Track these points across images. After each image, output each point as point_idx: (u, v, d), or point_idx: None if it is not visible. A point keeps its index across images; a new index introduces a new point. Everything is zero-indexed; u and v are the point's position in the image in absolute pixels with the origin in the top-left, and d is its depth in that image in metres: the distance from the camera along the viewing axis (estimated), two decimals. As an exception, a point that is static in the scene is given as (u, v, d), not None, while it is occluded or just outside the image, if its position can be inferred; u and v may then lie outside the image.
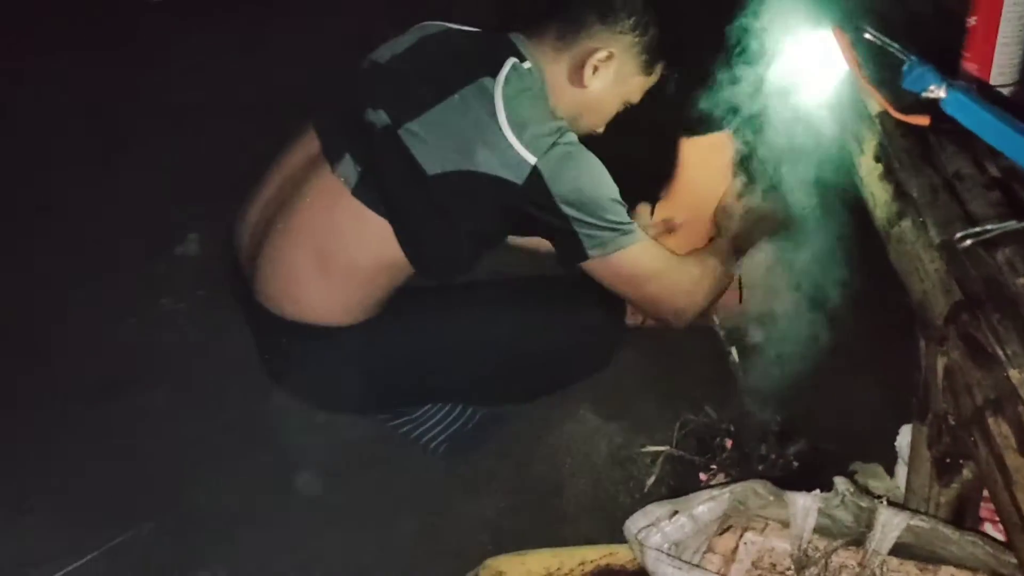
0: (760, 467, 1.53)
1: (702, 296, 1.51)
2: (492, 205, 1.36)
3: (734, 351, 1.74)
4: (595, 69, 1.42)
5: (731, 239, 1.61)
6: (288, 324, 1.46)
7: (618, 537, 1.34)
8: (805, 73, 1.33)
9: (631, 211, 1.63)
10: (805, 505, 0.96)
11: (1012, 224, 0.90)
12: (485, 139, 1.33)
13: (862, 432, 1.53)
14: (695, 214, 1.74)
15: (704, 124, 1.59)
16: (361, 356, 1.48)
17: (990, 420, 0.84)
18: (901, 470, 1.19)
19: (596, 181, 1.38)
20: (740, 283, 1.87)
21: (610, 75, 1.43)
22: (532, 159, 1.32)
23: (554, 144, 1.34)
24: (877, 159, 1.30)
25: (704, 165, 1.72)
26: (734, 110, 1.45)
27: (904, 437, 1.17)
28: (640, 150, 1.82)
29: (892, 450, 1.45)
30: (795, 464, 1.52)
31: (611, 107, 1.49)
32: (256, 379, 1.72)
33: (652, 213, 1.76)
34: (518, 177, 1.33)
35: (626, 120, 1.54)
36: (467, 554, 1.33)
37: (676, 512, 0.99)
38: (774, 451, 1.54)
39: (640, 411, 1.73)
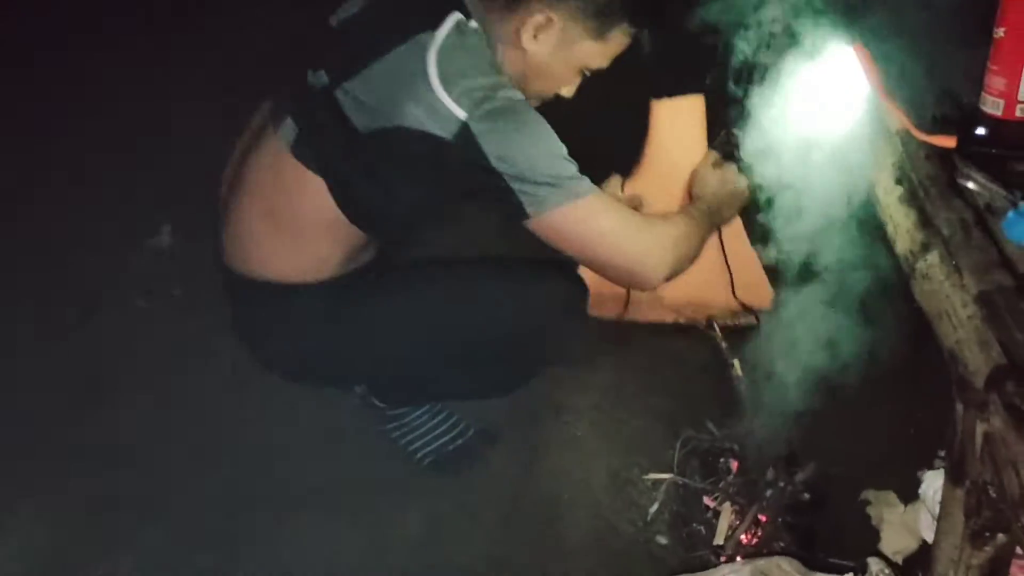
0: (768, 493, 1.47)
1: (670, 260, 1.40)
2: (423, 162, 1.33)
3: (736, 364, 1.67)
4: (534, 34, 1.37)
5: (705, 209, 1.52)
6: (247, 281, 1.49)
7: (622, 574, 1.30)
8: (822, 86, 1.24)
9: (601, 183, 1.60)
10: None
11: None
12: (415, 94, 1.30)
13: (874, 454, 1.48)
14: (668, 185, 1.68)
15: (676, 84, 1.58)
16: (315, 316, 1.47)
17: (1041, 508, 0.77)
18: (924, 518, 1.12)
19: (534, 137, 1.33)
20: (732, 276, 1.83)
21: (551, 40, 1.38)
22: (462, 115, 1.28)
23: (487, 99, 1.30)
24: (898, 181, 1.21)
25: (677, 129, 1.69)
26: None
27: (929, 484, 1.10)
28: (609, 116, 1.83)
29: (906, 474, 1.41)
30: (805, 495, 1.45)
31: (564, 73, 1.43)
32: (238, 384, 1.72)
33: (623, 187, 1.73)
34: (448, 132, 1.29)
35: (593, 82, 1.47)
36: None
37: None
38: (782, 477, 1.48)
39: (639, 429, 1.67)
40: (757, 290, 1.84)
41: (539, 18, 1.35)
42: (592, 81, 1.46)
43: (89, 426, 1.73)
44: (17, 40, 2.87)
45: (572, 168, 1.34)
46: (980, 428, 0.89)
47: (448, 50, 1.31)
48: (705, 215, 1.50)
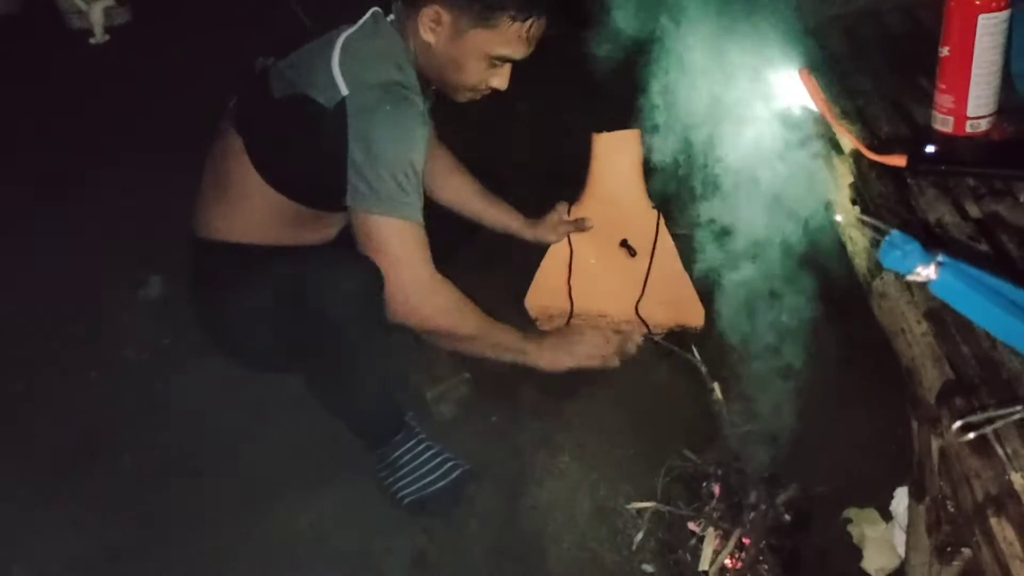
0: (750, 516, 1.47)
1: (435, 318, 1.53)
2: (308, 126, 1.47)
3: (717, 388, 1.67)
4: (430, 26, 1.50)
5: (533, 342, 1.65)
6: (197, 241, 1.65)
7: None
8: (770, 110, 1.26)
9: (551, 208, 1.95)
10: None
11: (1017, 411, 0.79)
12: (318, 69, 1.48)
13: (855, 473, 1.48)
14: (607, 211, 1.92)
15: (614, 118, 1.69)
16: (251, 281, 1.55)
17: (992, 520, 0.77)
18: (898, 534, 1.13)
19: (396, 138, 1.46)
20: (642, 294, 1.96)
21: (445, 31, 1.50)
22: (345, 91, 1.45)
23: (373, 86, 1.46)
24: (853, 202, 1.23)
25: (614, 161, 1.89)
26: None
27: (900, 502, 1.11)
28: (556, 146, 2.04)
29: (887, 491, 1.41)
30: (786, 517, 1.45)
31: (472, 63, 1.52)
32: (230, 435, 1.73)
33: (570, 211, 1.95)
34: (330, 103, 1.46)
35: (540, 115, 1.70)
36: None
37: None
38: (763, 500, 1.48)
39: (622, 458, 1.66)
40: (688, 309, 1.95)
41: (429, 11, 1.48)
42: (540, 114, 1.55)
43: (82, 480, 1.73)
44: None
45: (410, 186, 1.46)
46: (935, 444, 0.90)
47: (355, 38, 1.50)
48: (524, 342, 1.63)
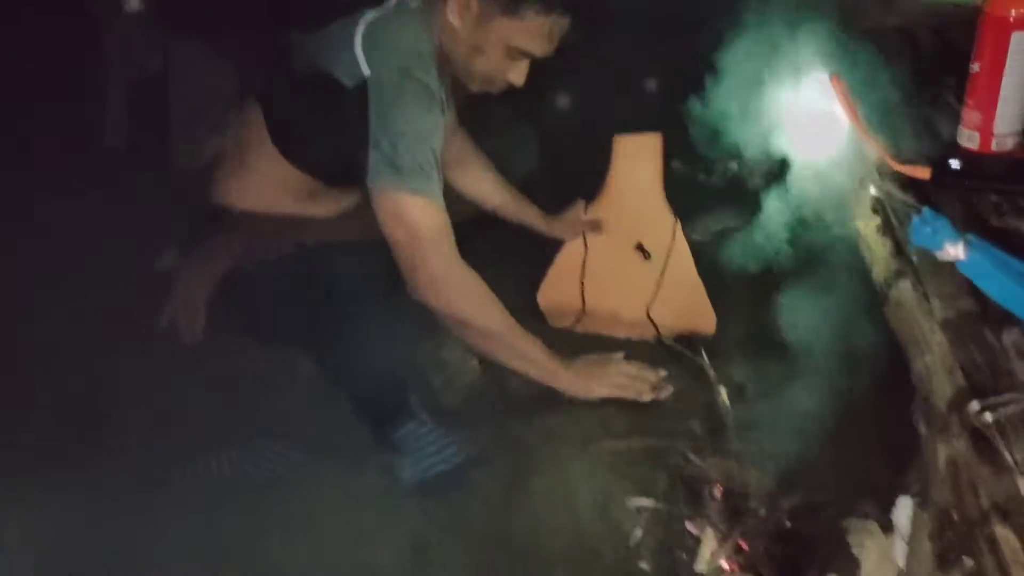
0: (750, 521, 1.47)
1: (457, 302, 1.54)
2: (330, 104, 1.52)
3: (723, 392, 1.68)
4: (457, 12, 1.54)
5: (570, 366, 1.68)
6: (215, 208, 1.68)
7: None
8: (800, 117, 1.27)
9: (569, 206, 1.97)
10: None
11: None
12: (341, 49, 1.52)
13: (858, 484, 1.47)
14: (625, 213, 1.96)
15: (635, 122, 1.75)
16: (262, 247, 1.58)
17: (997, 528, 0.78)
18: (899, 546, 1.13)
19: (415, 121, 1.49)
20: (655, 297, 1.97)
21: (471, 17, 1.54)
22: (367, 72, 1.49)
23: (395, 71, 1.49)
24: (875, 210, 1.24)
25: (635, 163, 1.91)
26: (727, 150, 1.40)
27: (902, 512, 1.11)
28: (577, 146, 2.05)
29: (888, 502, 1.41)
30: (788, 524, 1.46)
31: (494, 53, 1.56)
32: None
33: (586, 210, 1.97)
34: (351, 82, 1.50)
35: (564, 116, 1.74)
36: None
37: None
38: (764, 505, 1.48)
39: (626, 455, 1.67)
40: (700, 315, 1.97)
41: None
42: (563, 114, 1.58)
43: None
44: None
45: (430, 166, 1.48)
46: (943, 451, 0.91)
47: (379, 21, 1.54)
48: (552, 361, 1.65)
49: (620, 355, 1.77)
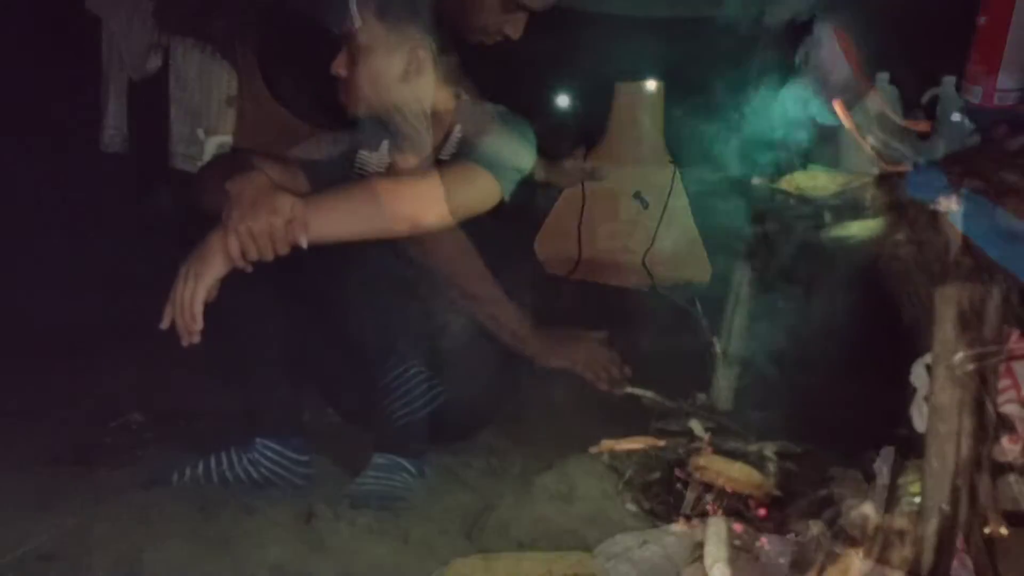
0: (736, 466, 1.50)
1: (437, 216, 1.50)
2: (319, 52, 1.56)
3: (716, 342, 1.69)
4: None
5: (541, 335, 1.66)
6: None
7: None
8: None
9: (570, 153, 1.93)
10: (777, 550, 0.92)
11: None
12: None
13: (843, 433, 1.50)
14: (623, 162, 1.99)
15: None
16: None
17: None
18: (881, 494, 1.15)
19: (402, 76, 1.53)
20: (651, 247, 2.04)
21: None
22: (358, 22, 1.51)
23: (387, 23, 1.51)
24: (873, 162, 1.23)
25: (635, 111, 1.96)
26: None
27: (884, 461, 1.13)
28: (577, 94, 2.06)
29: (870, 452, 1.43)
30: (771, 468, 1.48)
31: (492, 5, 1.62)
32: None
33: (586, 157, 2.00)
34: (340, 31, 1.54)
35: (567, 61, 1.73)
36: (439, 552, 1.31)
37: (646, 542, 0.95)
38: (751, 448, 1.51)
39: (617, 401, 1.69)
40: (695, 265, 2.01)
41: None
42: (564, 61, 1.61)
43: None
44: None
45: (417, 121, 1.53)
46: (929, 401, 0.92)
47: None
48: (525, 327, 1.63)
49: (601, 335, 1.77)
